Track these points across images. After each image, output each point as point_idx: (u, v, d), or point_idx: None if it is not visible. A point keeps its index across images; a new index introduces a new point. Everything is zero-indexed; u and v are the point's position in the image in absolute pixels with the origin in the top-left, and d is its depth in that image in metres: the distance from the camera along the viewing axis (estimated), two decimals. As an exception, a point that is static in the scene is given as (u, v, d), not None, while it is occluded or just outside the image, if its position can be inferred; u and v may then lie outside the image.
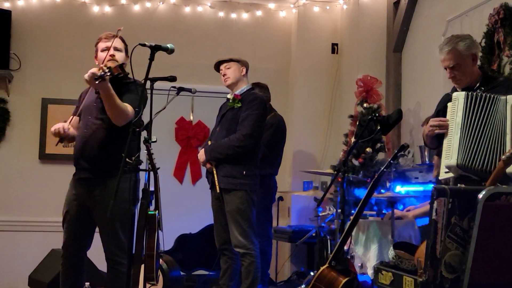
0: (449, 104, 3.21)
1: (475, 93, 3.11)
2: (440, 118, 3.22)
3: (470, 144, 3.04)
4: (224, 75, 4.27)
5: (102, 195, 3.33)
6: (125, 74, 3.42)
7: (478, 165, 3.01)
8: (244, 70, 4.30)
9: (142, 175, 3.17)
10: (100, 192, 3.36)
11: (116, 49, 3.49)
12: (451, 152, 3.06)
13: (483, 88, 3.20)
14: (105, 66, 3.17)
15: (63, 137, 3.39)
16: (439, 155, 3.29)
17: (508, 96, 3.06)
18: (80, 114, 3.58)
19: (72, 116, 3.58)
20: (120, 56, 3.48)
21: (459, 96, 3.13)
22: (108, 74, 3.11)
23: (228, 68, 4.26)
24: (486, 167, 3.00)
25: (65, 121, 3.46)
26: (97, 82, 3.10)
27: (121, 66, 3.35)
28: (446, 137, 3.15)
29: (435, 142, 3.29)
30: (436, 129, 3.18)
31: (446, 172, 3.12)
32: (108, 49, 3.48)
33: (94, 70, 3.15)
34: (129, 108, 3.33)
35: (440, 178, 3.20)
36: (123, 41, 3.57)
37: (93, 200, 3.39)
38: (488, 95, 3.09)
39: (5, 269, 5.75)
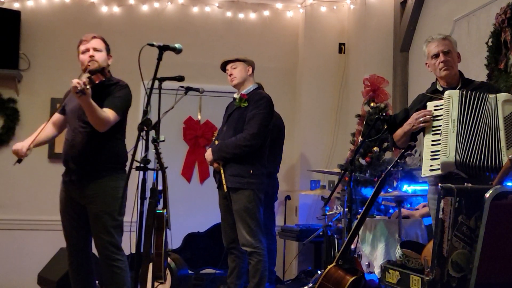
0: (429, 104, 3.24)
1: (469, 92, 3.15)
2: (424, 110, 3.24)
3: (466, 141, 3.07)
4: (230, 75, 4.29)
5: (93, 194, 3.43)
6: (107, 78, 3.46)
7: (476, 161, 3.03)
8: (250, 69, 4.31)
9: (150, 174, 3.19)
10: (91, 191, 3.44)
11: (95, 49, 3.52)
12: (447, 149, 3.07)
13: (464, 89, 3.22)
14: (86, 78, 3.22)
15: (21, 159, 3.43)
16: None
17: (498, 94, 3.13)
18: (65, 114, 3.64)
19: (55, 114, 3.66)
20: (100, 56, 3.52)
21: (453, 94, 3.15)
22: (88, 88, 3.16)
23: (235, 68, 4.28)
24: (483, 164, 3.02)
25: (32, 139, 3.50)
26: (78, 95, 3.15)
27: (102, 71, 3.42)
28: (428, 134, 3.17)
29: (408, 140, 3.33)
30: (421, 123, 3.20)
31: (431, 170, 3.12)
32: (87, 50, 3.52)
33: (75, 83, 3.15)
34: (110, 114, 3.39)
35: (423, 175, 3.21)
36: (104, 41, 3.60)
37: (85, 199, 3.47)
38: (480, 93, 3.13)
39: (15, 268, 5.79)
